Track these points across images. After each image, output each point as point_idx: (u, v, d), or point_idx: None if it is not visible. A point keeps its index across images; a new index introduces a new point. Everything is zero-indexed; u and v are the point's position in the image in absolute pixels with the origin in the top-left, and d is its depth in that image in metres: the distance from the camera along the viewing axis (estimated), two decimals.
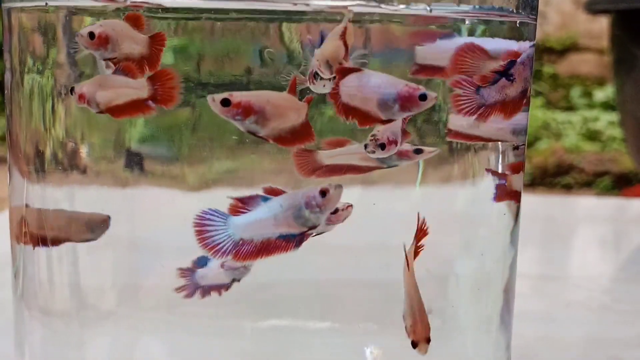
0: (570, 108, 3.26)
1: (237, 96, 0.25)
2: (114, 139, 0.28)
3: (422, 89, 0.26)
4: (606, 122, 3.06)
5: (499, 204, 0.31)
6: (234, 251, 0.26)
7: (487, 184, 0.30)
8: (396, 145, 0.26)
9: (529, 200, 0.33)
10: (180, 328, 0.29)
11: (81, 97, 0.27)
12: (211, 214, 0.26)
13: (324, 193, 0.26)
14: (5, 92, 0.32)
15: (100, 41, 0.26)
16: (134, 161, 0.28)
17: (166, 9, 0.26)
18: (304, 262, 0.29)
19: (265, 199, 0.26)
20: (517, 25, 0.30)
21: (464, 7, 0.28)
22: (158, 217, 0.29)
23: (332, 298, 0.29)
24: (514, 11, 0.29)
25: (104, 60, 0.26)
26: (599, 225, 0.84)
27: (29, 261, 0.31)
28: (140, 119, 0.27)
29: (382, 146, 0.26)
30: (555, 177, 2.87)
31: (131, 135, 0.28)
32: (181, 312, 0.29)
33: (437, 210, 0.29)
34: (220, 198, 0.28)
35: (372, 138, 0.26)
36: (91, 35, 0.26)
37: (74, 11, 0.28)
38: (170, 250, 0.29)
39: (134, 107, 0.26)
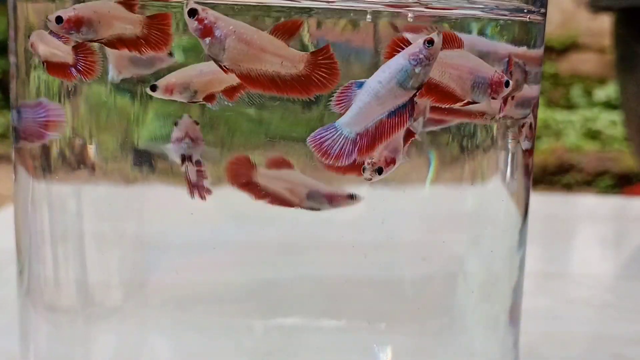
0: (570, 107, 3.26)
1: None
2: (122, 136, 0.28)
3: (504, 76, 0.26)
4: (606, 121, 3.07)
5: (507, 202, 0.31)
6: (356, 149, 0.25)
7: (497, 183, 0.30)
8: (394, 164, 0.26)
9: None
10: (187, 325, 0.29)
11: (31, 45, 0.28)
12: (320, 131, 0.25)
13: (430, 42, 0.25)
14: (11, 88, 0.31)
15: (70, 25, 0.26)
16: (143, 159, 0.28)
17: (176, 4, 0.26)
18: (311, 260, 0.29)
19: (359, 85, 0.25)
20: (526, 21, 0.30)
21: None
22: (166, 214, 0.29)
23: (340, 296, 0.29)
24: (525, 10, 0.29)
25: (89, 41, 0.26)
26: (600, 224, 0.84)
27: (34, 258, 0.31)
28: (148, 116, 0.28)
29: (380, 170, 0.25)
30: (555, 176, 2.87)
31: (140, 133, 0.28)
32: (188, 309, 0.29)
33: (447, 209, 0.29)
34: (229, 195, 0.28)
35: (369, 162, 0.25)
36: (58, 19, 0.26)
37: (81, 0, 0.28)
38: (178, 248, 0.29)
39: (62, 69, 0.27)
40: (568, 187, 2.82)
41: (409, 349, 0.29)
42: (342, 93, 0.25)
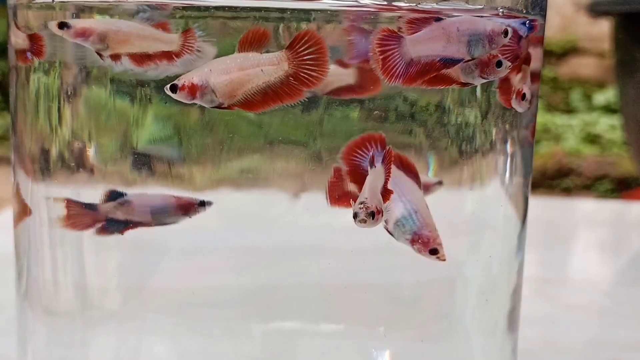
0: (570, 111, 3.26)
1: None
2: (121, 139, 0.28)
3: (499, 57, 0.26)
4: (606, 125, 3.06)
5: (506, 208, 0.31)
6: (405, 74, 0.25)
7: (495, 187, 0.30)
8: (382, 215, 0.25)
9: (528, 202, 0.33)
10: (185, 329, 0.29)
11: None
12: (388, 34, 0.25)
13: (505, 34, 0.26)
14: (10, 91, 0.32)
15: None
16: (141, 161, 0.28)
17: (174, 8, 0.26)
18: (310, 265, 0.29)
19: (437, 19, 0.25)
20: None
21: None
22: None
23: (339, 301, 0.29)
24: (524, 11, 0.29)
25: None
26: (599, 229, 0.84)
27: (33, 261, 0.31)
28: (147, 118, 0.28)
29: (372, 215, 0.25)
30: (554, 180, 2.87)
31: (138, 136, 0.28)
32: (187, 313, 0.29)
33: (446, 213, 0.29)
34: (227, 199, 0.28)
35: (361, 206, 0.25)
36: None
37: (81, 8, 0.28)
38: (177, 252, 0.29)
39: (24, 55, 0.30)
40: (567, 191, 2.81)
41: (407, 353, 0.29)
42: (416, 21, 0.25)
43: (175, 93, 0.25)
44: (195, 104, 0.26)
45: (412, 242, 0.26)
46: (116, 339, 0.30)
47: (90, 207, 0.28)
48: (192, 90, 0.25)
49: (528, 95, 0.28)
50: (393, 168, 0.26)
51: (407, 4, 0.26)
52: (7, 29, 0.31)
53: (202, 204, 0.27)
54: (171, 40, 0.26)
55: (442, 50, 0.25)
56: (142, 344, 0.30)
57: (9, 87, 0.32)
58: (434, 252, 0.26)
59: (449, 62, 0.26)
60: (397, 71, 0.25)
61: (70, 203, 0.28)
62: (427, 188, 0.28)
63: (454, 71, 0.26)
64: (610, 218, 0.90)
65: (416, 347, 0.30)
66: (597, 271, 0.67)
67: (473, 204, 0.30)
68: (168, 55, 0.26)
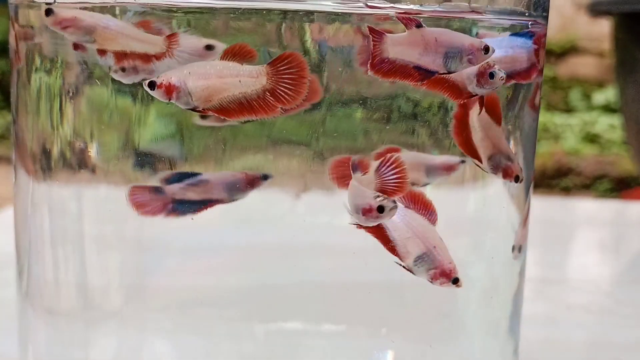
0: (569, 110, 3.27)
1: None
2: (123, 138, 0.28)
3: (492, 68, 0.26)
4: (605, 125, 3.07)
5: (508, 208, 0.31)
6: (380, 66, 0.25)
7: (498, 188, 0.30)
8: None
9: None
10: (187, 329, 0.29)
11: None
12: (381, 32, 0.25)
13: (486, 50, 0.26)
14: (12, 90, 0.31)
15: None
16: (144, 160, 0.28)
17: (174, 9, 0.26)
18: (312, 265, 0.29)
19: (418, 26, 0.25)
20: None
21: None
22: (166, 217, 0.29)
23: (341, 301, 0.29)
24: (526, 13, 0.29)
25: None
26: (599, 228, 0.84)
27: (34, 260, 0.31)
28: (150, 117, 0.28)
29: (381, 209, 0.25)
30: (554, 180, 2.87)
31: (141, 135, 0.28)
32: (188, 313, 0.29)
33: (447, 213, 0.29)
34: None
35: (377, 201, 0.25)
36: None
37: (82, 9, 0.28)
38: (179, 251, 0.29)
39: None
40: (566, 191, 2.82)
41: (409, 354, 0.29)
42: (407, 18, 0.26)
43: (153, 90, 0.25)
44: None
45: (434, 277, 0.26)
46: (117, 339, 0.30)
47: (158, 190, 0.28)
48: (169, 89, 0.25)
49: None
50: (403, 207, 0.26)
51: (410, 6, 0.26)
52: (8, 28, 0.31)
53: (265, 177, 0.28)
54: (155, 42, 0.26)
55: (418, 58, 0.25)
56: (144, 344, 0.30)
57: (10, 85, 0.32)
58: (456, 281, 0.27)
59: (424, 72, 0.26)
60: (377, 64, 0.25)
61: (136, 189, 0.28)
62: (450, 168, 0.28)
63: (462, 82, 0.26)
64: (610, 218, 0.90)
65: (418, 347, 0.30)
66: (597, 271, 0.67)
67: (475, 204, 0.30)
68: (148, 57, 0.26)
